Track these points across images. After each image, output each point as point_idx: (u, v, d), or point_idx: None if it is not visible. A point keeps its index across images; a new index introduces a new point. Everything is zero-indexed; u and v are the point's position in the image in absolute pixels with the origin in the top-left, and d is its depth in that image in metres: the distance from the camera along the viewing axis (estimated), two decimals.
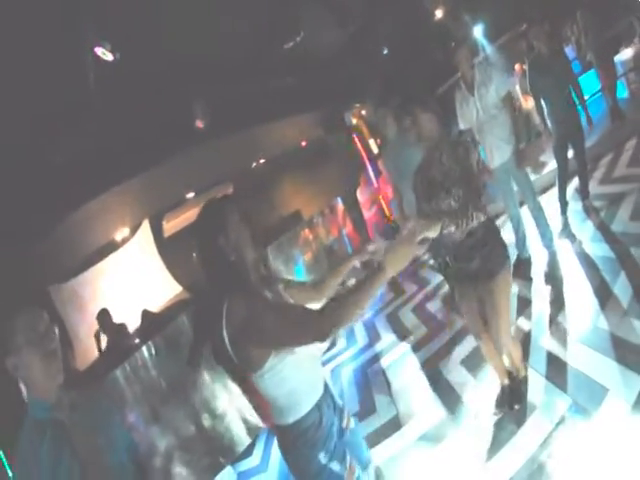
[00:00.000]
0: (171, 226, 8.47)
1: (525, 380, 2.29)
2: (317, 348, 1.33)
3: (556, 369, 2.31)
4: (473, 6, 6.57)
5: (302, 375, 1.28)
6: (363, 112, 8.07)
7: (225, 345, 1.21)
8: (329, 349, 4.28)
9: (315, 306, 1.40)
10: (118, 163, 5.73)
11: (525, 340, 2.69)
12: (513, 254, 3.57)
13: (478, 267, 1.97)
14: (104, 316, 4.31)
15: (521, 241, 3.56)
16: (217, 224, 1.29)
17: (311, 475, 1.30)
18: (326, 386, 1.39)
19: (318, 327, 1.16)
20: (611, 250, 3.04)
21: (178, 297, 7.48)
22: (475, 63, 3.38)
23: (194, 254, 1.31)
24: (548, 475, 1.76)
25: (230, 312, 1.19)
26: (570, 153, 3.69)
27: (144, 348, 3.84)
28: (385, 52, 7.04)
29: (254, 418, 3.59)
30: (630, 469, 1.58)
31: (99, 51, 3.93)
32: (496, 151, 3.38)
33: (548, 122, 3.57)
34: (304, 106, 7.08)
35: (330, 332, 1.17)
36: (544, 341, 2.58)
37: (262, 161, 7.98)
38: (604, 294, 2.63)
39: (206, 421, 3.57)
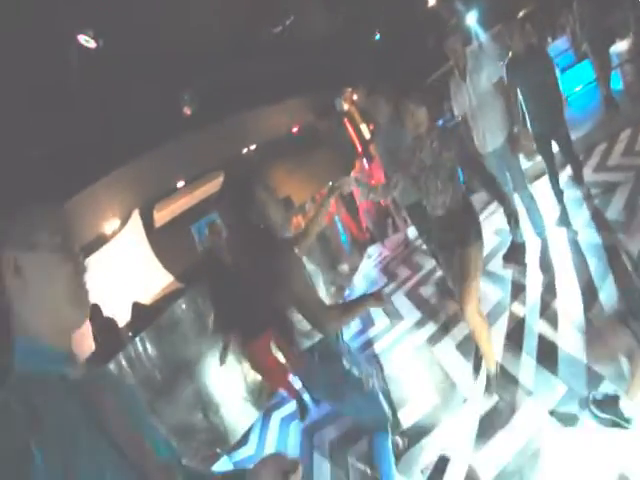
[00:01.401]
0: (162, 216, 8.38)
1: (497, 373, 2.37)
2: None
3: (550, 355, 2.30)
4: None
5: None
6: (355, 97, 7.98)
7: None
8: None
9: None
10: (104, 153, 5.63)
11: (519, 326, 2.69)
12: (507, 238, 3.60)
13: (454, 237, 2.29)
14: (95, 311, 4.29)
15: (514, 225, 3.51)
16: (245, 200, 1.49)
17: (336, 382, 1.60)
18: None
19: (323, 324, 1.44)
20: (605, 239, 3.03)
21: (170, 287, 7.43)
22: (467, 50, 3.32)
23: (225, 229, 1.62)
24: (543, 462, 1.76)
25: (275, 268, 1.43)
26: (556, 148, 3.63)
27: (137, 340, 3.80)
28: (377, 37, 6.94)
29: (248, 407, 3.60)
30: (623, 455, 1.59)
31: (82, 39, 3.83)
32: (489, 137, 3.35)
33: (527, 120, 3.48)
34: (294, 91, 6.98)
35: (331, 332, 1.49)
36: (538, 327, 2.58)
37: (253, 147, 7.87)
38: (598, 281, 2.63)
39: (202, 412, 3.57)
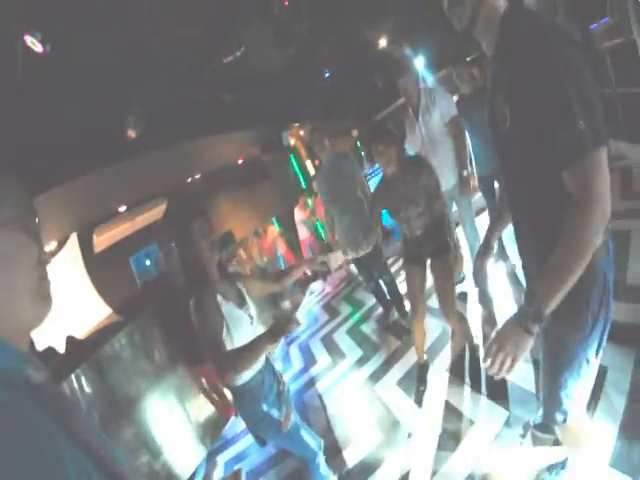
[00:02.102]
0: (101, 241, 7.97)
1: (478, 347, 2.73)
2: (252, 331, 1.75)
3: (493, 384, 2.42)
4: (421, 34, 6.81)
5: None
6: (301, 132, 8.11)
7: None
8: None
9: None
10: (43, 169, 5.31)
11: (461, 357, 2.84)
12: None
13: (432, 249, 2.50)
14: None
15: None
16: (178, 236, 1.68)
17: (257, 420, 1.77)
18: (267, 358, 1.88)
19: (220, 368, 1.55)
20: None
21: (108, 319, 7.02)
22: (421, 88, 3.36)
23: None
24: None
25: (192, 306, 1.61)
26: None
27: (72, 377, 3.55)
28: (326, 75, 7.13)
29: (193, 450, 3.46)
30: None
31: (28, 40, 3.60)
32: (441, 177, 3.35)
33: (473, 161, 3.52)
34: (242, 123, 7.00)
35: (225, 377, 1.64)
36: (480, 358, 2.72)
37: (197, 177, 7.73)
38: None
39: (143, 456, 3.39)
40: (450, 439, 2.24)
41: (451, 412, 2.43)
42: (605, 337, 1.18)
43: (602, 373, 1.95)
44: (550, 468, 1.69)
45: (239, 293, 1.81)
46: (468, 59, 3.86)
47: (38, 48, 3.61)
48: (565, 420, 1.33)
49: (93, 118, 5.28)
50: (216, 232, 1.79)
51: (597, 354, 1.20)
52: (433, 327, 3.29)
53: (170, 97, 5.98)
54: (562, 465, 1.66)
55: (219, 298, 1.67)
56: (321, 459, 2.05)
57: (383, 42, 6.67)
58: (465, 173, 3.32)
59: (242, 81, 6.16)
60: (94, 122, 5.37)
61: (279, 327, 1.44)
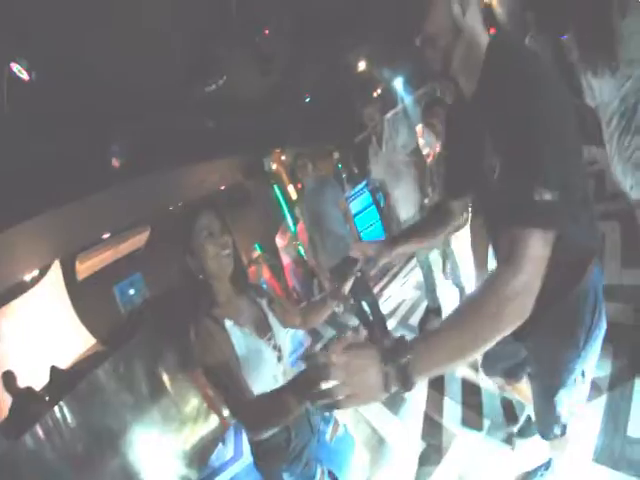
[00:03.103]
0: (85, 268, 7.90)
1: None
2: (281, 373, 1.36)
3: (472, 395, 2.49)
4: (401, 52, 6.95)
5: None
6: (283, 157, 8.21)
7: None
8: None
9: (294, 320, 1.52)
10: (27, 195, 5.29)
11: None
12: (423, 303, 3.73)
13: None
14: (8, 378, 3.94)
15: (430, 290, 3.54)
16: (186, 243, 1.25)
17: None
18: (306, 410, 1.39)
19: (240, 420, 1.15)
20: None
21: (92, 349, 6.92)
22: (385, 118, 3.42)
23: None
24: None
25: (192, 333, 1.20)
26: None
27: (56, 409, 3.52)
28: (307, 100, 7.28)
29: None
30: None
31: (15, 67, 3.65)
32: (402, 206, 3.41)
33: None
34: (224, 150, 7.09)
35: (252, 434, 1.24)
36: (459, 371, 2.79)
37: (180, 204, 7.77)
38: None
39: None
40: (434, 452, 2.28)
41: (432, 426, 2.48)
42: (599, 346, 1.16)
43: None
44: (535, 471, 1.75)
45: (263, 317, 1.38)
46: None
47: (24, 76, 3.64)
48: (564, 433, 1.33)
49: (77, 146, 5.34)
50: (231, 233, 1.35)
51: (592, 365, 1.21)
52: None
53: (153, 125, 6.06)
54: (546, 466, 1.71)
55: (227, 323, 1.25)
56: None
57: (362, 65, 6.84)
58: (426, 201, 3.32)
59: (224, 108, 6.28)
60: (78, 150, 5.42)
61: (307, 382, 0.82)
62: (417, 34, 0.99)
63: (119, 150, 6.05)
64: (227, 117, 6.48)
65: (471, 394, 2.52)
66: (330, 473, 1.45)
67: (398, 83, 8.00)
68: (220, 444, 3.67)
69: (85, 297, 7.66)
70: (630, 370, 1.95)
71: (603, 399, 1.91)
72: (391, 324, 3.93)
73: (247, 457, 3.30)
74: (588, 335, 1.12)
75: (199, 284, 1.27)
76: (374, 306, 3.78)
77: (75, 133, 5.14)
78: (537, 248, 0.82)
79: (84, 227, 6.88)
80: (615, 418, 1.80)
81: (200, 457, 3.63)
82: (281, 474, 1.32)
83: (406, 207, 3.38)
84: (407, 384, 0.75)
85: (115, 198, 6.55)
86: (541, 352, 1.22)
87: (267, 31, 5.19)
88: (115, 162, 6.10)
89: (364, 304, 3.87)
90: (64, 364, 5.82)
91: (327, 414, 1.56)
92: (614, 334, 2.03)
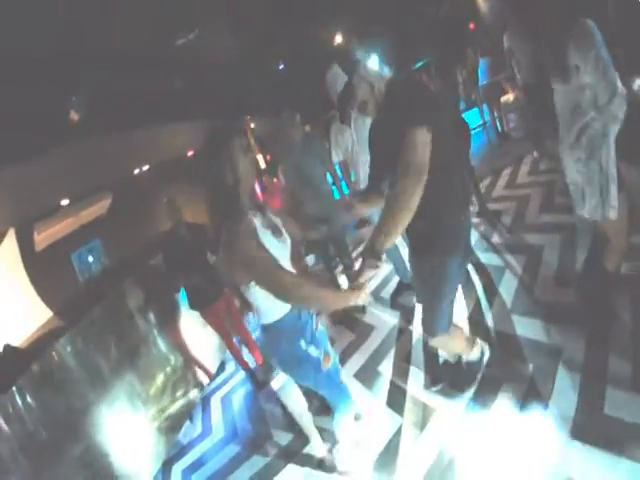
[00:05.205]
0: (43, 238, 7.40)
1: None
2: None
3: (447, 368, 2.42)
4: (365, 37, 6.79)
5: None
6: (252, 125, 7.91)
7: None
8: (218, 374, 4.08)
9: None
10: None
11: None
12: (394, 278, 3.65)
13: None
14: None
15: (401, 265, 3.44)
16: (222, 151, 1.44)
17: (295, 359, 1.63)
18: None
19: (282, 294, 1.40)
20: (494, 259, 3.30)
21: (48, 325, 6.53)
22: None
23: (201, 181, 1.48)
24: (459, 471, 1.85)
25: (228, 238, 1.39)
26: None
27: (14, 391, 3.27)
28: (280, 67, 7.00)
29: (147, 462, 3.26)
30: (529, 461, 1.71)
31: None
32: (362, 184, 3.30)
33: None
34: (192, 113, 6.69)
35: (289, 302, 1.49)
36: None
37: (145, 168, 7.33)
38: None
39: (96, 470, 3.14)
40: (412, 429, 2.22)
41: (412, 402, 2.40)
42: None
43: (557, 354, 2.11)
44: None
45: (275, 226, 1.57)
46: (417, 65, 3.92)
47: None
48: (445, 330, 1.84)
49: (34, 99, 4.83)
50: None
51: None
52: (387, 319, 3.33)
53: (119, 80, 5.59)
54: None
55: (257, 224, 1.48)
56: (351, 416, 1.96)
57: (338, 39, 6.66)
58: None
59: (194, 68, 5.87)
60: (35, 103, 4.91)
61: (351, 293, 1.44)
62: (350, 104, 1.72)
63: (79, 103, 5.55)
64: (197, 77, 6.06)
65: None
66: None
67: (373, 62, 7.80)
68: (187, 421, 3.58)
69: (42, 268, 7.20)
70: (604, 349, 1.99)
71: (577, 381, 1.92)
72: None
73: (216, 434, 3.23)
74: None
75: (231, 190, 1.44)
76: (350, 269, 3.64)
77: (33, 85, 4.66)
78: (419, 139, 1.40)
79: (42, 192, 6.40)
80: (591, 400, 1.82)
81: (167, 435, 3.50)
82: (299, 341, 1.60)
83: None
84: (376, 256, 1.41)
85: (75, 160, 6.09)
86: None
87: None
88: (74, 115, 5.61)
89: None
90: (20, 340, 5.48)
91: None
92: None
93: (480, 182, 4.88)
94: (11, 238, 7.02)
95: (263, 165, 8.44)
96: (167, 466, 3.19)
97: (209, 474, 2.85)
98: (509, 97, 6.22)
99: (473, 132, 7.28)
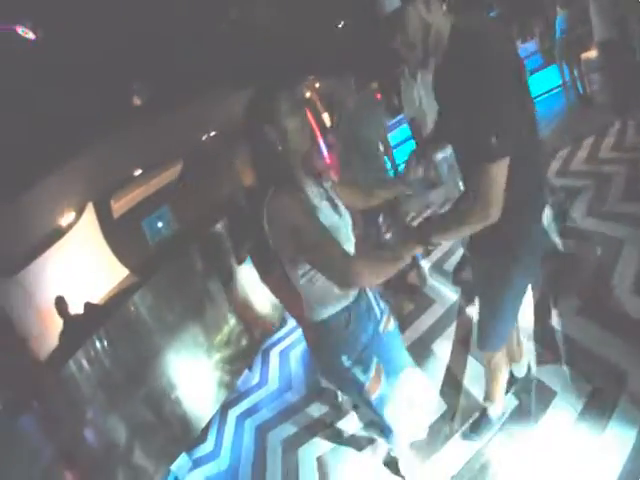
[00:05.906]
0: (119, 206, 8.09)
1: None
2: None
3: None
4: None
5: None
6: (317, 85, 7.83)
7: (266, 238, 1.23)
8: (278, 329, 4.22)
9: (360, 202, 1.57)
10: (56, 144, 5.36)
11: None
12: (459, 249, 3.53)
13: None
14: (60, 304, 4.13)
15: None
16: (266, 111, 1.21)
17: (334, 373, 1.41)
18: (361, 295, 1.40)
19: (342, 276, 1.15)
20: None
21: (125, 282, 7.21)
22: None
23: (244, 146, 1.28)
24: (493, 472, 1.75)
25: (271, 206, 1.17)
26: None
27: (95, 338, 3.69)
28: (340, 25, 6.82)
29: (207, 403, 3.56)
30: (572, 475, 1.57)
31: (20, 31, 3.72)
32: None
33: None
34: (255, 79, 6.81)
35: (352, 285, 1.28)
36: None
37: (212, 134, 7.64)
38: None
39: (162, 408, 3.53)
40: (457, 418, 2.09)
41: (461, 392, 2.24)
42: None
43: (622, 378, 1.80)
44: None
45: (331, 199, 1.33)
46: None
47: (31, 36, 3.82)
48: (497, 349, 1.63)
49: (99, 90, 5.23)
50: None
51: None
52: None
53: (181, 59, 5.83)
54: None
55: (311, 195, 1.25)
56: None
57: None
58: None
59: (252, 37, 5.94)
60: (100, 94, 5.32)
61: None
62: (392, 41, 1.20)
63: (140, 88, 5.94)
64: (256, 45, 6.12)
65: None
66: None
67: None
68: (247, 370, 3.78)
69: (118, 235, 7.90)
70: None
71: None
72: (425, 267, 3.66)
73: (272, 385, 3.41)
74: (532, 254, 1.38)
75: (279, 155, 1.22)
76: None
77: (96, 77, 5.03)
78: (498, 175, 1.10)
79: (116, 168, 6.97)
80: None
81: (228, 381, 3.75)
82: (340, 356, 1.32)
83: None
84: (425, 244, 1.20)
85: (143, 135, 6.53)
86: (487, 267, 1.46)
87: None
88: (137, 100, 6.02)
89: None
90: (99, 297, 6.10)
91: (382, 305, 1.52)
92: None
93: (556, 153, 4.41)
94: (90, 211, 7.77)
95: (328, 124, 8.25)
96: (224, 410, 3.45)
97: (260, 422, 3.04)
98: (591, 54, 5.22)
99: (552, 93, 6.60)
